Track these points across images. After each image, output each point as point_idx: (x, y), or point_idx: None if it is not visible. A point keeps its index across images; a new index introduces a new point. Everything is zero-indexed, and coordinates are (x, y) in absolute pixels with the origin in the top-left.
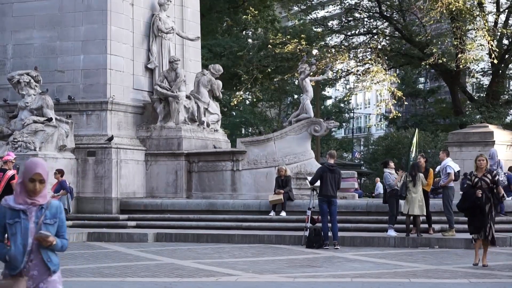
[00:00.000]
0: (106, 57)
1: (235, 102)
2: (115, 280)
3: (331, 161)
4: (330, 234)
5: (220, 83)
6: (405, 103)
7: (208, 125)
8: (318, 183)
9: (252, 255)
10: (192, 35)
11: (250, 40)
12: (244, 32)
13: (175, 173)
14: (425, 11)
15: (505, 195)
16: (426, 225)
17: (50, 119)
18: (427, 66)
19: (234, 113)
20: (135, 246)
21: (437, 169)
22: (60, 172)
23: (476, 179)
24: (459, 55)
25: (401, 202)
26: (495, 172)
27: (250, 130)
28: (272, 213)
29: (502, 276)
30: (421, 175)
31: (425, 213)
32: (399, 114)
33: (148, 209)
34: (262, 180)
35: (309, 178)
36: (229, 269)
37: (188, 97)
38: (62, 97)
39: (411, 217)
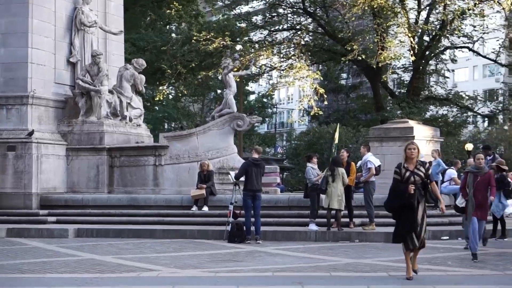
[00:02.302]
0: (27, 50)
1: (160, 98)
2: (35, 277)
3: (256, 156)
4: (252, 229)
5: (143, 77)
6: (325, 102)
7: (130, 120)
8: (242, 178)
9: (174, 250)
10: (115, 29)
11: (173, 35)
12: (167, 26)
13: (96, 168)
14: (348, 7)
15: None
16: (347, 219)
17: None
18: (350, 62)
19: (157, 108)
20: (56, 242)
21: (358, 164)
22: None
23: (408, 173)
24: (379, 52)
25: (322, 196)
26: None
27: (173, 125)
28: (194, 208)
29: (420, 269)
30: (342, 169)
31: (343, 208)
32: (321, 112)
33: (69, 204)
34: (184, 175)
35: (232, 172)
36: (151, 264)
37: (110, 91)
38: None
39: (332, 211)
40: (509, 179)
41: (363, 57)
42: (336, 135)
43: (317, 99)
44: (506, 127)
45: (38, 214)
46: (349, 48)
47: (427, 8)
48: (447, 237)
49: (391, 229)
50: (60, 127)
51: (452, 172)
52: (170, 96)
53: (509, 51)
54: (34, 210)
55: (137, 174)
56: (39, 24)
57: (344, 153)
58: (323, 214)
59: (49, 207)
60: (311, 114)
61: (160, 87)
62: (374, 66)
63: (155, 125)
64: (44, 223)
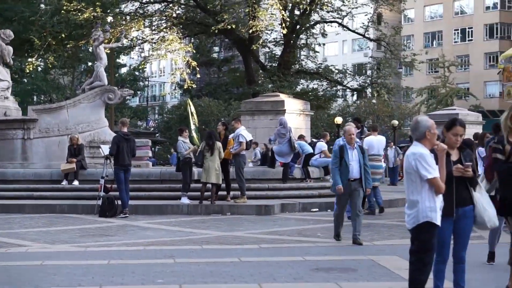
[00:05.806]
0: None
1: (29, 69)
2: None
3: (125, 129)
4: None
5: (10, 49)
6: (197, 76)
7: None
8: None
9: (43, 225)
10: None
11: (42, 5)
12: None
13: None
14: None
15: None
16: (224, 192)
17: None
18: (222, 35)
19: (25, 80)
20: None
21: (230, 137)
22: None
23: None
24: (250, 22)
25: (196, 170)
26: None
27: (42, 98)
28: (64, 182)
29: (290, 241)
30: (219, 143)
31: (220, 182)
32: (194, 85)
33: None
34: (54, 148)
35: (103, 146)
36: (19, 239)
37: None
38: None
39: (208, 185)
40: None
41: (233, 27)
42: (190, 109)
43: (189, 72)
44: (374, 101)
45: None
46: (220, 19)
47: None
48: (317, 209)
49: (262, 202)
50: None
51: (322, 145)
52: (39, 68)
53: (377, 26)
54: None
55: (5, 148)
56: None
57: (220, 127)
58: (195, 187)
59: None
60: (184, 87)
61: (29, 59)
62: (246, 38)
63: (24, 98)
64: None
